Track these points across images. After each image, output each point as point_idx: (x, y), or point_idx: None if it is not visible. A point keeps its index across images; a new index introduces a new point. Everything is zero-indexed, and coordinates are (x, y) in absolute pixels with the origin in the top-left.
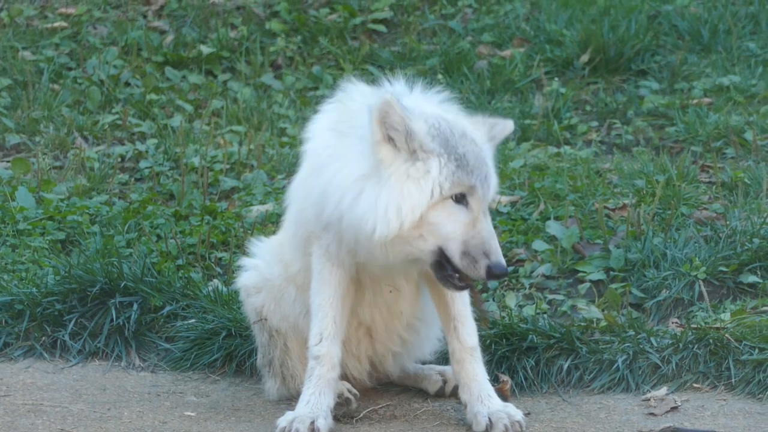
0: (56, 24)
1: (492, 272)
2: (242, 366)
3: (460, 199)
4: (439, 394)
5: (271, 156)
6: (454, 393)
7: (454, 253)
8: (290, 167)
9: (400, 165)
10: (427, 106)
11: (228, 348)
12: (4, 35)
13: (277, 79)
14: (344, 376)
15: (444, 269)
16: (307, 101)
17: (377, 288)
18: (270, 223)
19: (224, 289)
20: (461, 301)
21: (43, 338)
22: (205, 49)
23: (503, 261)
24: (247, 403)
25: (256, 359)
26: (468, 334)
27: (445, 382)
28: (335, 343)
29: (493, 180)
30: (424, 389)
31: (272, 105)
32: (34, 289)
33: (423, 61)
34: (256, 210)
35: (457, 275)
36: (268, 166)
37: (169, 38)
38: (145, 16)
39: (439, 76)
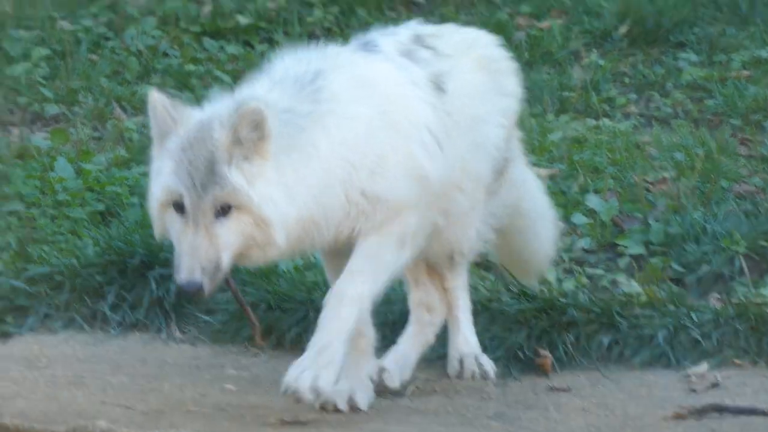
0: None
1: (177, 289)
2: (282, 339)
3: (178, 207)
4: None
5: None
6: None
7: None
8: None
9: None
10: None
11: (268, 321)
12: (43, 5)
13: None
14: None
15: None
16: None
17: None
18: None
19: None
20: (356, 255)
21: (83, 310)
22: (243, 20)
23: (186, 279)
24: None
25: (293, 332)
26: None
27: None
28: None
29: (214, 187)
30: None
31: None
32: (74, 260)
33: None
34: None
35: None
36: None
37: (207, 8)
38: None
39: None
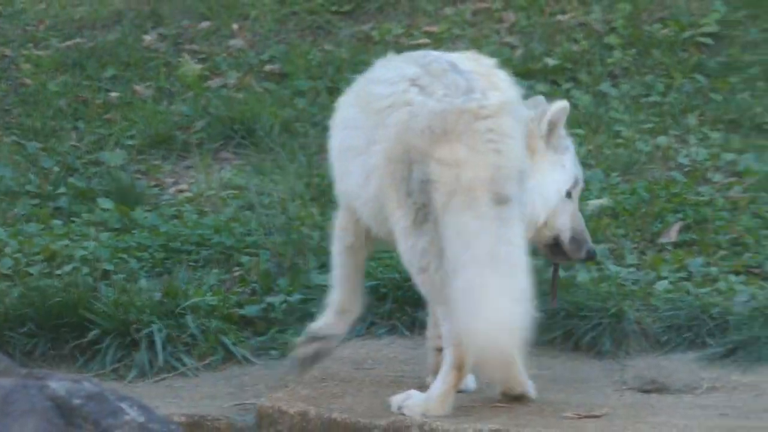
0: (420, 41)
1: (590, 255)
2: (579, 343)
3: (568, 193)
4: None
5: (607, 156)
6: None
7: (566, 240)
8: (624, 166)
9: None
10: None
11: (566, 327)
12: (375, 52)
13: (613, 87)
14: None
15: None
16: (640, 107)
17: None
18: (605, 216)
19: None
20: None
21: (404, 318)
22: (551, 62)
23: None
24: (583, 376)
25: (588, 336)
26: None
27: None
28: None
29: None
30: None
31: (609, 110)
32: (396, 274)
33: (746, 70)
34: (592, 204)
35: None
36: (604, 164)
37: (519, 52)
38: (498, 33)
39: (759, 84)
